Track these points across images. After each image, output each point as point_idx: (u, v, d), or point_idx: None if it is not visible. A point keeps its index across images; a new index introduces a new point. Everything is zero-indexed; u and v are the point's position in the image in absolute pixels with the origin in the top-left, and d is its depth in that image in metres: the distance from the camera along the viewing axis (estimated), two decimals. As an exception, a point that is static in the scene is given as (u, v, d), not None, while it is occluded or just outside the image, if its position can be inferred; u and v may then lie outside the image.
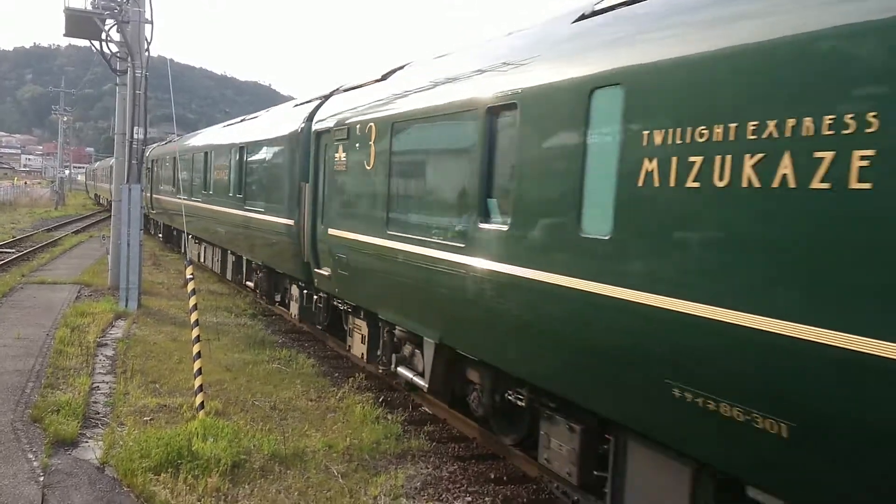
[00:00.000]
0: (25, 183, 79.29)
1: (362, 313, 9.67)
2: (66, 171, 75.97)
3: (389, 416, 8.74)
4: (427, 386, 7.82)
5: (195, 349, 8.20)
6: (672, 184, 4.27)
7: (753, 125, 3.78)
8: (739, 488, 4.21)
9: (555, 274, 5.24)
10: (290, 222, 11.60)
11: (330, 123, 10.28)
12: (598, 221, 4.89)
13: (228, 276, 17.83)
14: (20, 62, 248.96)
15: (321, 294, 11.28)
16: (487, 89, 6.41)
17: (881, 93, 3.21)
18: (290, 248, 11.73)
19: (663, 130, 4.36)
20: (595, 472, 5.72)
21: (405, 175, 8.02)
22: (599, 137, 4.96)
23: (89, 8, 15.39)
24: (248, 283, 15.92)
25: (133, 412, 8.14)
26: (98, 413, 8.16)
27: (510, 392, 6.77)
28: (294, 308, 12.72)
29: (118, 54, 15.91)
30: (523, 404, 6.57)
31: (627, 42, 4.90)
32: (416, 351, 8.12)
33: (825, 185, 3.41)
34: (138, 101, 14.78)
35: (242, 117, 18.60)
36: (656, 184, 4.38)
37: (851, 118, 3.31)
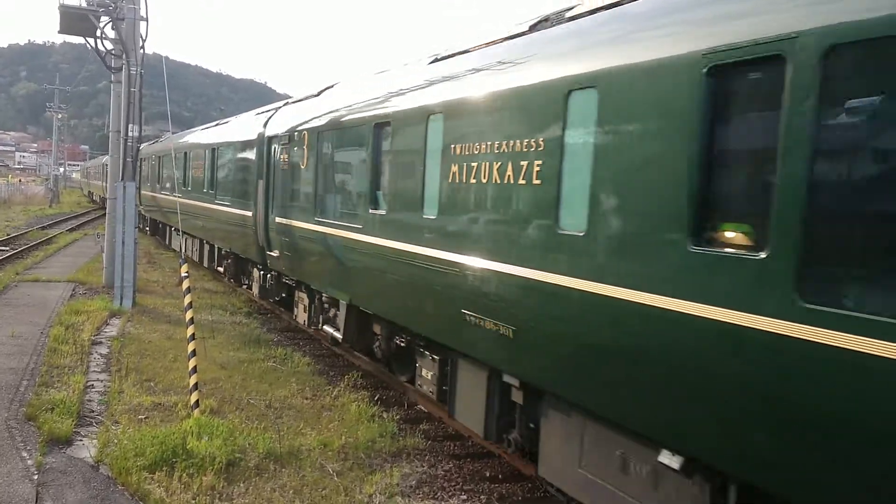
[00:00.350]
0: (20, 181, 78.90)
1: (303, 287, 11.75)
2: (61, 169, 75.78)
3: (385, 415, 8.74)
4: (342, 337, 10.06)
5: (190, 347, 8.19)
6: (464, 181, 6.51)
7: (497, 143, 6.07)
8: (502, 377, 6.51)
9: (408, 244, 7.46)
10: (249, 213, 13.59)
11: (278, 130, 12.35)
12: (432, 207, 7.07)
13: (205, 263, 19.68)
14: (14, 59, 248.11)
15: (273, 273, 13.35)
16: (375, 110, 8.61)
17: (545, 134, 5.48)
18: (250, 236, 13.70)
19: (460, 145, 6.62)
20: (444, 387, 7.71)
21: (327, 172, 10.14)
22: (432, 149, 7.16)
23: (84, 5, 15.34)
24: (219, 269, 18.11)
25: (128, 410, 8.12)
26: (92, 411, 8.15)
27: (398, 338, 8.81)
28: (255, 288, 14.94)
29: (113, 52, 15.86)
30: (405, 345, 8.69)
31: (447, 82, 7.16)
32: (336, 312, 10.31)
33: (524, 182, 5.71)
34: (133, 99, 14.73)
35: (217, 122, 20.60)
36: (457, 181, 6.62)
37: (534, 142, 5.61)
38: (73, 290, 15.98)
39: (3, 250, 23.16)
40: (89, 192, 65.65)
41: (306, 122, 11.01)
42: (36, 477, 6.25)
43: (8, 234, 28.80)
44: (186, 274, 8.89)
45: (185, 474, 6.42)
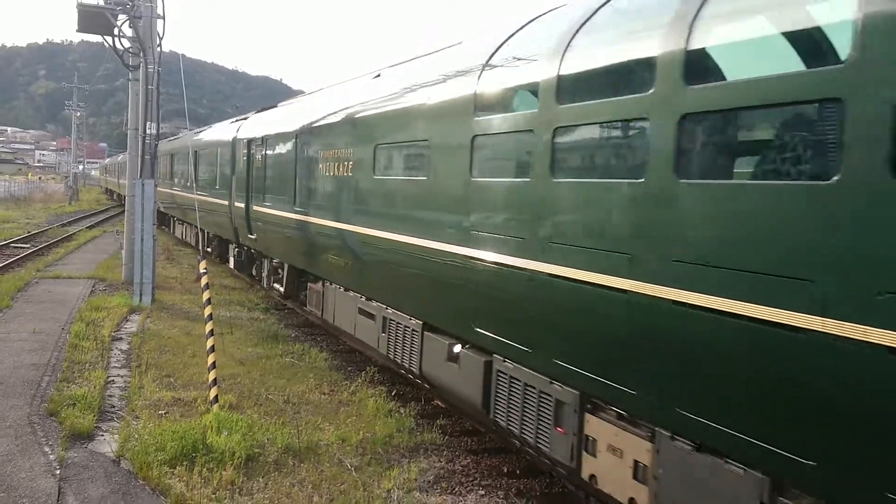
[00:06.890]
0: (39, 178, 79.83)
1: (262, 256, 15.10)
2: (80, 167, 76.35)
3: (402, 410, 8.75)
4: (283, 290, 13.50)
5: (209, 343, 8.24)
6: (326, 174, 10.15)
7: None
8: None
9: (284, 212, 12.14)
10: (226, 202, 16.66)
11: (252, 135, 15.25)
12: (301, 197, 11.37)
13: (195, 242, 22.69)
14: (33, 58, 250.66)
15: (245, 248, 16.66)
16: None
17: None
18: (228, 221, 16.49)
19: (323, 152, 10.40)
20: None
21: (273, 169, 13.45)
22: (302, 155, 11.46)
23: (102, 3, 15.45)
24: (208, 249, 20.92)
25: (148, 406, 8.19)
26: (113, 407, 8.22)
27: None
28: (231, 261, 18.35)
29: (130, 50, 15.97)
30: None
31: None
32: (282, 273, 13.63)
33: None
34: (151, 97, 14.83)
35: (199, 129, 23.94)
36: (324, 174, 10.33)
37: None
38: (93, 286, 16.14)
39: (24, 247, 23.43)
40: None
41: (267, 129, 14.43)
42: (58, 472, 6.32)
43: (28, 232, 29.11)
44: (205, 270, 8.94)
45: (205, 469, 6.46)
